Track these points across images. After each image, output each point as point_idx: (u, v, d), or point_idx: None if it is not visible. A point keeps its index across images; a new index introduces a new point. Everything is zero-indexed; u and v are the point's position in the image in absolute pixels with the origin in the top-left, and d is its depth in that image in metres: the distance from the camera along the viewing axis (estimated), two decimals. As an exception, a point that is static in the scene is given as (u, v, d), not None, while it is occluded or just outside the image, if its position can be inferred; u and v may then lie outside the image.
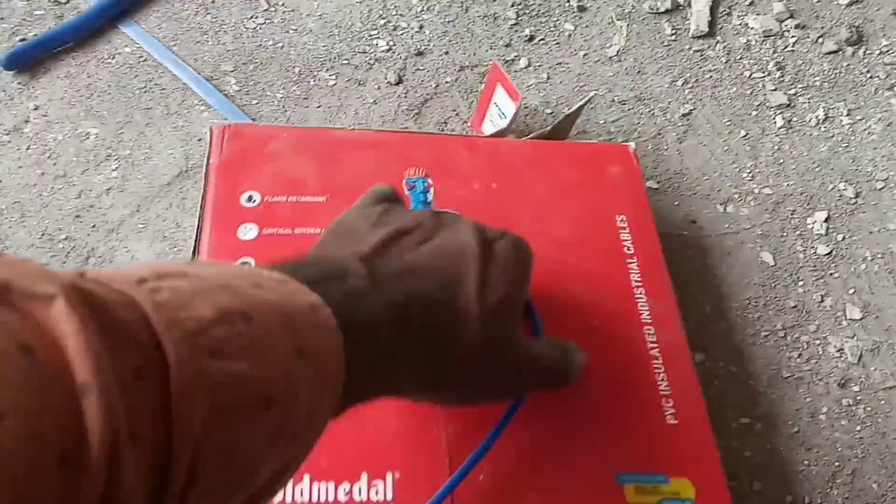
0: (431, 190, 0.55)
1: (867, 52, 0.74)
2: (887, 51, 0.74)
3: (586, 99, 0.63)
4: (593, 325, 0.50)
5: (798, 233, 0.65)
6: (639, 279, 0.53)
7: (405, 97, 0.72)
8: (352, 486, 0.42)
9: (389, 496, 0.42)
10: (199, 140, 0.67)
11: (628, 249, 0.54)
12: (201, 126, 0.68)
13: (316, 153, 0.56)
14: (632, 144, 0.60)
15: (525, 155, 0.58)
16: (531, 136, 0.62)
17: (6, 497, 0.17)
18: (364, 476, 0.42)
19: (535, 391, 0.44)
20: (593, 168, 0.58)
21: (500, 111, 0.65)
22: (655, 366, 0.49)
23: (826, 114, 0.71)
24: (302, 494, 0.41)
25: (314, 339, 0.27)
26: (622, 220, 0.55)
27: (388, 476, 0.43)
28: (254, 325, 0.25)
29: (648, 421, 0.47)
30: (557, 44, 0.76)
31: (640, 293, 0.52)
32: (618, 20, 0.78)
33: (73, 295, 0.20)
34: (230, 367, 0.23)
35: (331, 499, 0.41)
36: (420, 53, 0.76)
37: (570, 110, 0.63)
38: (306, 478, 0.42)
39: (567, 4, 0.79)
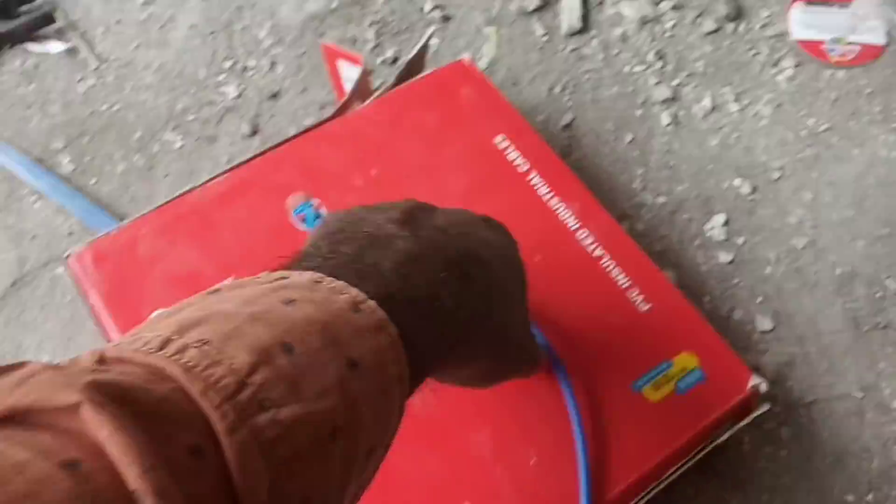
0: (323, 208, 0.52)
1: (748, 26, 0.70)
2: (769, 22, 0.70)
3: (426, 37, 0.59)
4: (533, 260, 0.48)
5: (698, 242, 0.61)
6: (548, 190, 0.53)
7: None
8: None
9: None
10: (34, 238, 0.60)
11: (522, 166, 0.54)
12: (34, 221, 0.60)
13: (188, 232, 0.51)
14: (465, 56, 0.59)
15: (379, 119, 0.56)
16: (377, 94, 0.58)
17: None
18: None
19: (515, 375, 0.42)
20: (446, 99, 0.57)
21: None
22: (605, 264, 0.50)
23: (713, 103, 0.66)
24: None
25: (363, 344, 0.26)
26: (502, 140, 0.55)
27: None
28: (296, 355, 0.24)
29: (626, 320, 0.49)
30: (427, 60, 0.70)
31: (556, 202, 0.52)
32: (486, 27, 0.72)
33: (96, 394, 0.19)
34: (282, 416, 0.22)
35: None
36: (275, 96, 0.69)
37: (410, 55, 0.59)
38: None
39: (429, 15, 0.73)
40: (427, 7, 0.73)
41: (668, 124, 0.66)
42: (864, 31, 0.68)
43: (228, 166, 0.53)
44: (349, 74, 0.63)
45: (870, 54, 0.68)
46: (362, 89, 0.59)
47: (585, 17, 0.72)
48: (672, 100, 0.67)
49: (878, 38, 0.68)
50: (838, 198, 0.61)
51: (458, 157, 0.55)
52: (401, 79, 0.59)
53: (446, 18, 0.73)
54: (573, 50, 0.70)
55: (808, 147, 0.64)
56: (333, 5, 0.74)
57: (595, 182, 0.64)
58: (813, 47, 0.68)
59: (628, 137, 0.66)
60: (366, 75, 0.59)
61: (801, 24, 0.69)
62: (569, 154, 0.65)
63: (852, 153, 0.63)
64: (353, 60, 0.61)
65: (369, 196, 0.50)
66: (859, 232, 0.60)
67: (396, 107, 0.57)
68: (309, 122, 0.67)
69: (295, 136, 0.55)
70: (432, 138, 0.56)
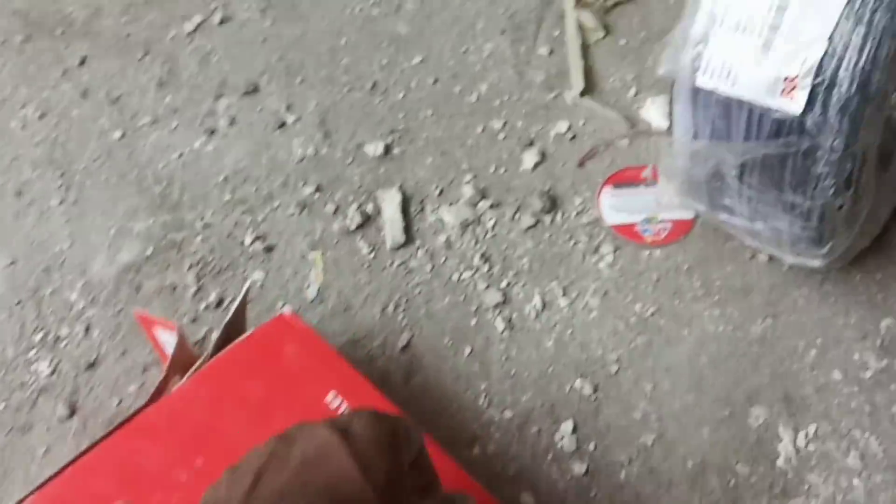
0: None
1: (565, 216, 0.72)
2: (583, 210, 0.72)
3: (242, 293, 0.58)
4: None
5: (550, 456, 0.59)
6: None
7: (84, 430, 0.61)
8: None
9: None
10: None
11: None
12: None
13: None
14: (286, 309, 0.59)
15: (200, 397, 0.53)
16: (198, 364, 0.55)
17: None
18: None
19: None
20: (270, 361, 0.55)
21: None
22: None
23: (543, 300, 0.67)
24: None
25: None
26: (334, 397, 0.52)
27: None
28: None
29: None
30: (249, 302, 0.68)
31: None
32: (310, 251, 0.71)
33: None
34: None
35: None
36: (92, 365, 0.65)
37: (227, 318, 0.57)
38: None
39: (251, 248, 0.71)
40: (247, 240, 0.72)
41: (504, 330, 0.66)
42: (673, 208, 0.71)
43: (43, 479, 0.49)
44: (167, 339, 0.60)
45: (682, 230, 0.71)
46: (181, 360, 0.56)
47: (408, 229, 0.72)
48: (503, 303, 0.67)
49: (687, 213, 0.71)
50: (677, 383, 0.62)
51: (289, 424, 0.52)
52: (220, 344, 0.57)
53: (269, 249, 0.71)
54: (401, 264, 0.70)
55: (639, 335, 0.65)
56: (148, 252, 0.71)
57: (441, 404, 0.62)
58: (627, 230, 0.71)
59: (467, 350, 0.65)
60: (182, 344, 0.56)
61: (612, 209, 0.72)
62: (411, 377, 0.64)
63: (682, 334, 0.65)
64: (168, 327, 0.58)
65: (196, 493, 0.46)
66: (703, 417, 0.60)
67: (218, 379, 0.54)
68: (132, 388, 0.63)
69: (109, 435, 0.51)
70: (260, 409, 0.53)
